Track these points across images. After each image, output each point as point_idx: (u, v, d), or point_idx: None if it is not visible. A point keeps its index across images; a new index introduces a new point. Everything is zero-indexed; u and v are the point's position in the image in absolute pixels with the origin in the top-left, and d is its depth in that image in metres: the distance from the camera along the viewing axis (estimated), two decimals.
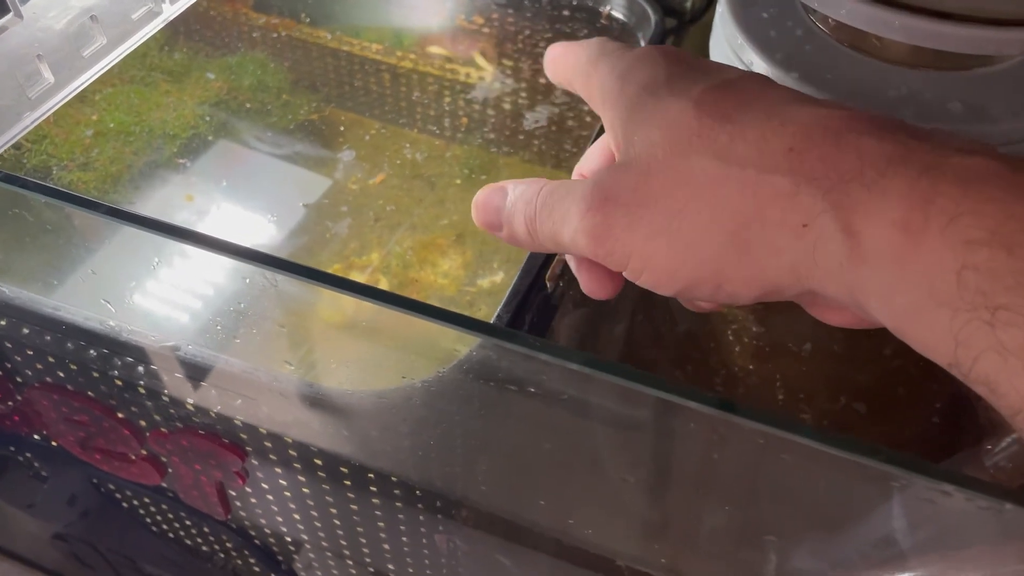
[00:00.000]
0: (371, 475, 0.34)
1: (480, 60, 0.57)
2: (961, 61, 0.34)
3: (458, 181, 0.51)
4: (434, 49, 0.57)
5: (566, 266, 0.42)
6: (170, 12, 0.31)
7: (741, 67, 0.37)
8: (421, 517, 0.35)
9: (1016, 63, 0.35)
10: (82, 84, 0.29)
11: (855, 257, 0.20)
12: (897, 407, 0.40)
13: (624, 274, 0.24)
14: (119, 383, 0.36)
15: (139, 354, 0.34)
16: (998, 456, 0.34)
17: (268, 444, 0.35)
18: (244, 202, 0.48)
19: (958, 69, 0.34)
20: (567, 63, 0.28)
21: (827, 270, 0.21)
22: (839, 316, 0.24)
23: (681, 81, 0.24)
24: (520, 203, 0.26)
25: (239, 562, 0.48)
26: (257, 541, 0.45)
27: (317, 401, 0.32)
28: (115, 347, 0.34)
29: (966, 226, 0.18)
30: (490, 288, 0.48)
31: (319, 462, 0.35)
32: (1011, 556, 0.25)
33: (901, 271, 0.19)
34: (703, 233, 0.22)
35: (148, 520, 0.50)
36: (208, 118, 0.50)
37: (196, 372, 0.33)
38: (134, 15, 0.30)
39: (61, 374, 0.37)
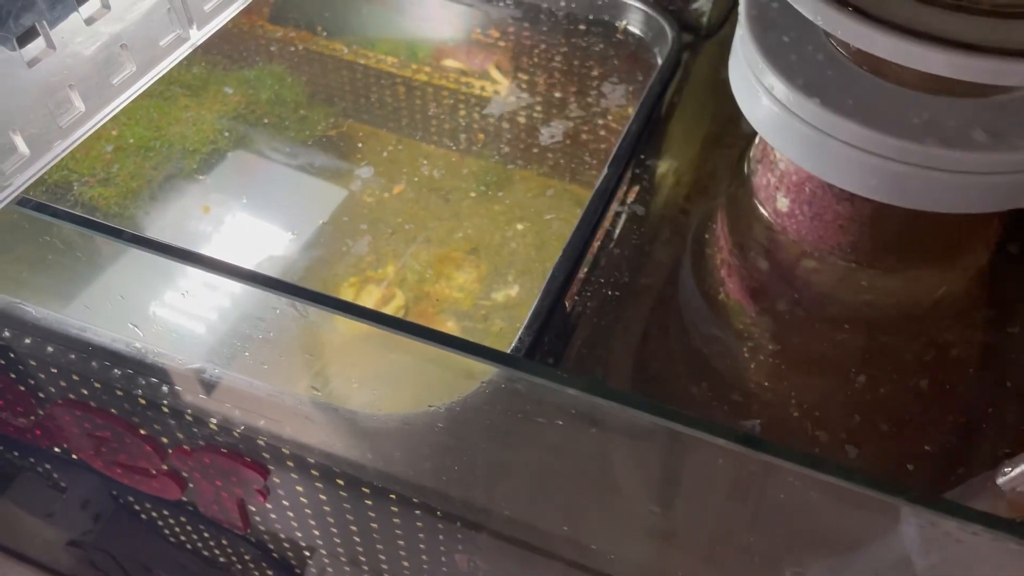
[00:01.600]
0: (392, 495, 0.34)
1: (495, 74, 0.57)
2: (982, 89, 0.34)
3: (473, 195, 0.51)
4: (449, 62, 0.57)
5: (584, 284, 0.42)
6: (197, 37, 0.31)
7: (760, 90, 0.37)
8: (441, 536, 0.36)
9: None
10: (112, 111, 0.29)
11: None
12: (913, 425, 0.40)
13: None
14: (143, 402, 0.36)
15: (164, 375, 0.34)
16: (1016, 481, 0.34)
17: (290, 464, 0.35)
18: (262, 215, 0.48)
19: (978, 96, 0.34)
20: None
21: None
22: None
23: None
24: None
25: (256, 573, 0.48)
26: (275, 554, 0.45)
27: (341, 423, 0.32)
28: (140, 368, 0.34)
29: None
30: (505, 302, 0.48)
31: (341, 481, 0.35)
32: None
33: None
34: None
35: (166, 531, 0.50)
36: (227, 132, 0.50)
37: (220, 393, 0.34)
38: (162, 42, 0.30)
39: (85, 391, 0.38)
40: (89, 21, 0.27)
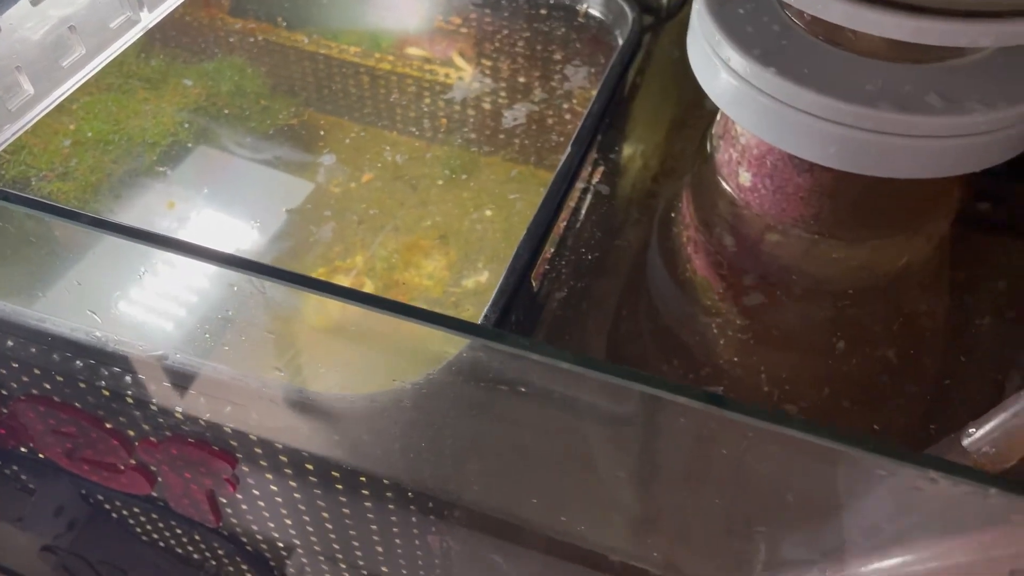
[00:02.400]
0: (363, 478, 0.34)
1: (459, 60, 0.57)
2: (936, 53, 0.34)
3: (440, 182, 0.51)
4: (412, 50, 0.57)
5: (551, 264, 0.42)
6: (148, 20, 0.31)
7: (718, 63, 0.37)
8: (414, 518, 0.35)
9: (987, 55, 0.35)
10: (62, 94, 0.29)
11: None
12: (882, 394, 0.41)
13: None
14: (106, 393, 0.36)
15: (126, 364, 0.34)
16: (981, 442, 0.35)
17: (258, 450, 0.35)
18: (226, 208, 0.48)
19: (933, 61, 0.34)
20: None
21: None
22: None
23: None
24: None
25: (231, 569, 0.48)
26: (249, 547, 0.45)
27: (307, 406, 0.32)
28: (102, 357, 0.34)
29: None
30: (475, 288, 0.48)
31: (310, 466, 0.35)
32: (997, 541, 0.25)
33: None
34: None
35: (138, 530, 0.50)
36: (187, 124, 0.50)
37: (184, 380, 0.33)
38: (112, 24, 0.30)
39: (47, 386, 0.37)
40: (35, 2, 0.27)
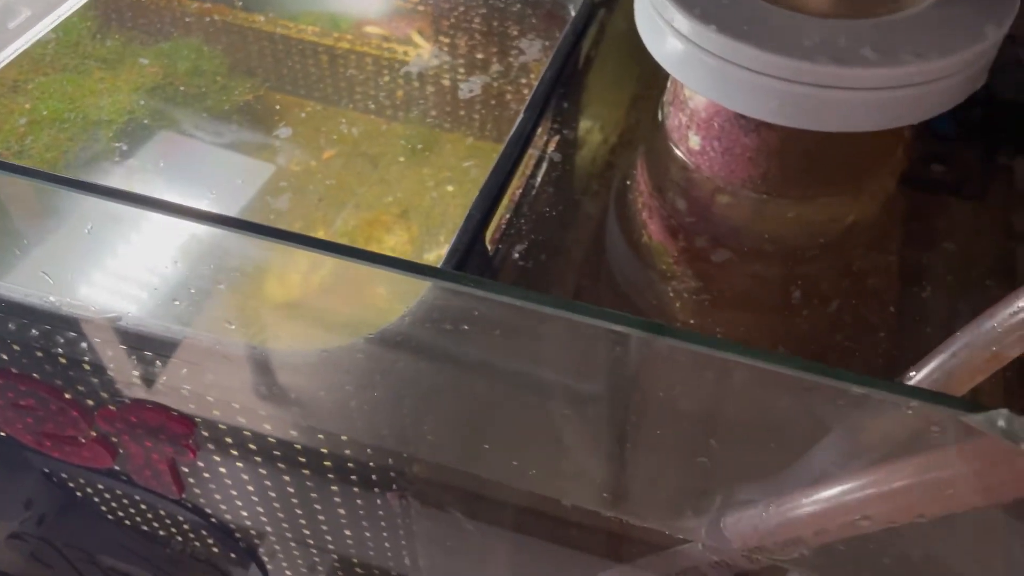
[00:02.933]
0: (320, 436, 0.35)
1: (417, 39, 0.57)
2: (872, 9, 0.36)
3: (401, 158, 0.52)
4: (371, 29, 0.58)
5: (507, 228, 0.43)
6: None
7: (663, 25, 0.38)
8: (373, 476, 0.36)
9: (922, 9, 0.36)
10: (8, 57, 0.29)
11: None
12: (833, 353, 0.42)
13: None
14: (63, 361, 0.36)
15: (81, 328, 0.34)
16: (921, 383, 0.36)
17: (216, 412, 0.35)
18: (184, 186, 0.48)
19: (868, 16, 0.35)
20: None
21: None
22: None
23: None
24: None
25: (197, 544, 0.48)
26: (213, 519, 0.45)
27: (261, 361, 0.32)
28: (57, 323, 0.34)
29: None
30: (436, 262, 0.48)
31: (268, 427, 0.35)
32: (937, 461, 0.26)
33: None
34: None
35: (103, 508, 0.50)
36: (143, 103, 0.50)
37: (140, 342, 0.33)
38: None
39: (4, 356, 0.37)
40: None
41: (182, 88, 0.51)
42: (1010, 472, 0.22)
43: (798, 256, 0.43)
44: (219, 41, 0.55)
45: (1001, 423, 0.20)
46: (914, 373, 0.36)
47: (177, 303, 0.30)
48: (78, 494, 0.50)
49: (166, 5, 0.56)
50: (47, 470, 0.48)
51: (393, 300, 0.30)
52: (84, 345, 0.35)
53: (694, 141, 0.43)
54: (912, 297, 0.43)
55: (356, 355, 0.31)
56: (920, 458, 0.26)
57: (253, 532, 0.45)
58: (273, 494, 0.41)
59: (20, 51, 0.29)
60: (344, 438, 0.34)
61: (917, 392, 0.22)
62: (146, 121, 0.49)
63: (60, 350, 0.35)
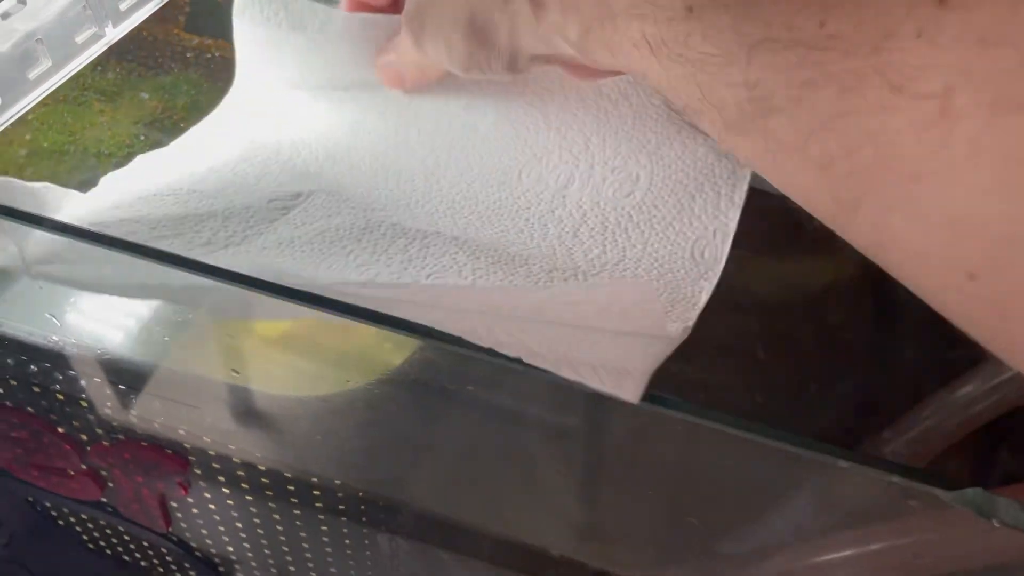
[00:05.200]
0: (314, 479, 0.35)
1: None
2: None
3: None
4: None
5: None
6: (114, 35, 0.32)
7: None
8: (364, 518, 0.37)
9: None
10: (27, 106, 0.30)
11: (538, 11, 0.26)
12: (805, 405, 0.43)
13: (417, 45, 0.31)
14: (60, 398, 0.36)
15: (82, 367, 0.34)
16: (896, 443, 0.37)
17: (212, 453, 0.36)
18: None
19: None
20: None
21: (525, 31, 0.27)
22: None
23: None
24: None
25: (178, 575, 0.48)
26: (198, 553, 0.45)
27: (261, 407, 0.33)
28: (58, 361, 0.35)
29: None
30: None
31: (262, 467, 0.36)
32: (910, 528, 0.27)
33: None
34: (452, 22, 0.29)
35: (84, 537, 0.50)
36: (143, 137, 0.50)
37: (139, 382, 0.34)
38: (78, 38, 0.31)
39: (1, 390, 0.38)
40: (4, 16, 0.28)
41: (182, 123, 0.52)
42: (983, 543, 0.23)
43: (775, 310, 0.44)
44: (218, 76, 0.56)
45: (975, 501, 0.21)
46: (888, 435, 0.37)
47: (181, 348, 0.31)
48: (54, 515, 0.50)
49: (165, 39, 0.57)
50: (29, 499, 0.48)
51: (392, 351, 0.31)
52: (82, 383, 0.35)
53: None
54: (888, 353, 0.44)
55: (355, 403, 0.32)
56: (892, 524, 0.28)
57: (237, 566, 0.46)
58: (260, 523, 0.41)
59: (39, 99, 0.30)
60: (337, 481, 0.35)
61: (895, 468, 0.24)
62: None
63: (58, 387, 0.36)
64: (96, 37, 0.31)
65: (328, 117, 0.38)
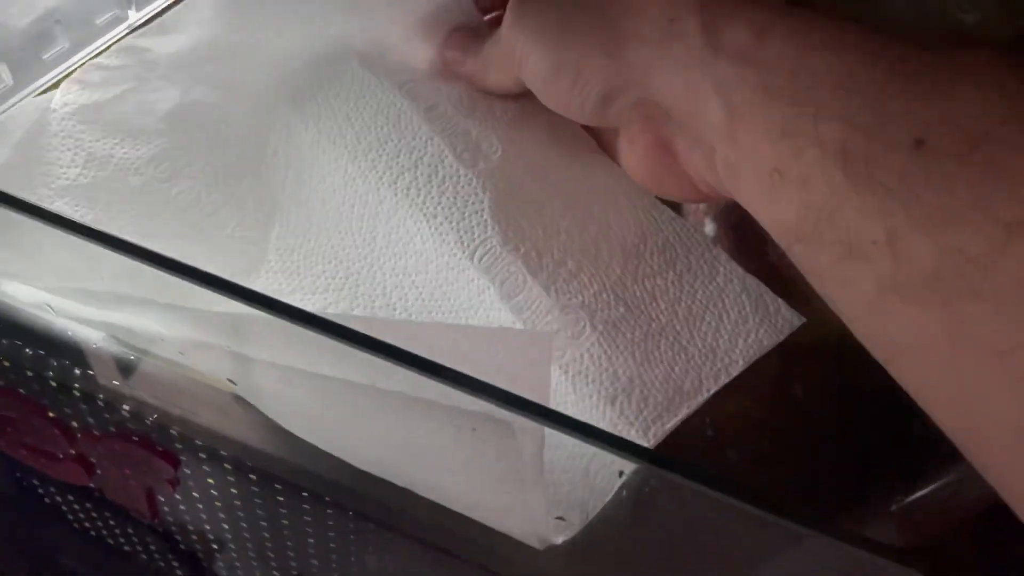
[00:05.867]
0: (305, 493, 0.34)
1: None
2: None
3: None
4: None
5: None
6: (135, 18, 0.31)
7: None
8: (352, 536, 0.36)
9: None
10: (41, 87, 0.28)
11: (708, 51, 0.23)
12: (818, 450, 0.42)
13: (517, 65, 0.28)
14: (53, 384, 0.35)
15: (78, 357, 0.33)
16: (907, 503, 0.36)
17: (203, 455, 0.35)
18: None
19: None
20: None
21: (677, 63, 0.24)
22: (645, 141, 0.27)
23: None
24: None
25: (162, 564, 0.48)
26: (183, 545, 0.44)
27: (257, 419, 0.32)
28: (53, 348, 0.34)
29: (807, 36, 0.22)
30: None
31: (253, 477, 0.35)
32: None
33: (746, 64, 0.22)
34: (590, 14, 0.26)
35: (69, 516, 0.49)
36: None
37: (135, 379, 0.33)
38: (98, 20, 0.29)
39: None
40: None
41: None
42: None
43: (795, 354, 0.43)
44: None
45: None
46: (902, 497, 0.36)
47: (182, 354, 0.30)
48: (40, 492, 0.49)
49: None
50: (17, 474, 0.48)
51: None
52: (78, 372, 0.34)
53: (709, 228, 0.43)
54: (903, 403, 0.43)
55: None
56: None
57: (218, 555, 0.45)
58: (245, 521, 0.41)
59: (52, 82, 0.29)
60: (327, 499, 0.34)
61: (868, 544, 0.23)
62: None
63: (51, 373, 0.35)
64: (117, 20, 0.30)
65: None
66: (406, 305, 0.30)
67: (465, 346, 0.26)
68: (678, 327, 0.28)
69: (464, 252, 0.29)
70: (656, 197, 0.31)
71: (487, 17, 0.34)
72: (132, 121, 0.33)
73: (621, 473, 0.25)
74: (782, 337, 0.28)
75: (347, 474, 0.31)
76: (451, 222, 0.29)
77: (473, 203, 0.29)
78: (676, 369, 0.27)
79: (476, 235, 0.29)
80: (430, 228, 0.29)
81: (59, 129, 0.32)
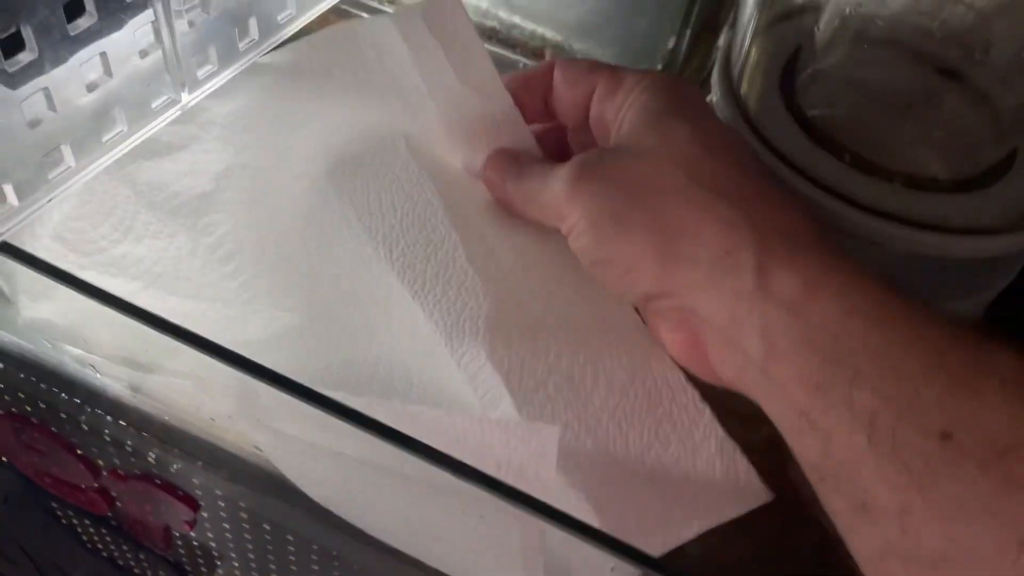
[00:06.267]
0: (315, 546, 0.36)
1: None
2: None
3: None
4: None
5: None
6: (187, 101, 0.33)
7: None
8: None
9: None
10: (96, 169, 0.31)
11: (759, 290, 0.24)
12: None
13: (563, 225, 0.29)
14: (85, 428, 0.38)
15: (111, 408, 0.36)
16: None
17: (222, 504, 0.37)
18: None
19: None
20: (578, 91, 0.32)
21: (726, 293, 0.25)
22: (677, 336, 0.28)
23: (691, 108, 0.29)
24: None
25: None
26: (191, 574, 0.47)
27: (275, 477, 0.34)
28: (89, 397, 0.36)
29: (853, 300, 0.23)
30: None
31: (267, 527, 0.37)
32: None
33: (793, 314, 0.24)
34: (648, 217, 0.27)
35: (83, 536, 0.51)
36: None
37: (163, 432, 0.35)
38: (154, 103, 0.32)
39: (28, 408, 0.39)
40: (91, 87, 0.29)
41: None
42: None
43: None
44: None
45: None
46: None
47: (213, 420, 0.32)
48: (58, 515, 0.52)
49: None
50: (36, 493, 0.50)
51: None
52: (109, 419, 0.37)
53: None
54: None
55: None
56: None
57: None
58: (255, 563, 0.43)
59: (107, 164, 0.31)
60: (334, 553, 0.36)
61: None
62: None
63: (84, 418, 0.37)
64: (171, 103, 0.32)
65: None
66: (394, 388, 0.31)
67: (478, 436, 0.28)
68: (641, 476, 0.27)
69: (453, 354, 0.29)
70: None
71: (532, 128, 0.34)
72: (183, 180, 0.35)
73: (613, 568, 0.27)
74: (745, 511, 0.27)
75: (358, 536, 0.33)
76: (447, 321, 0.29)
77: (472, 306, 0.30)
78: (628, 519, 0.27)
79: (466, 339, 0.29)
80: (426, 321, 0.30)
81: (112, 182, 0.34)
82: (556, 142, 0.35)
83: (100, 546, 0.51)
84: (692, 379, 0.29)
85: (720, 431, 0.28)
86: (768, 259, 0.25)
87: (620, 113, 0.30)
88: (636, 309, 0.31)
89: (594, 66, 0.32)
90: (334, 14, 0.40)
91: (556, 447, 0.27)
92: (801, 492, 0.25)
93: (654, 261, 0.26)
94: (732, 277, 0.25)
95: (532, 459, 0.27)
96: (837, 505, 0.23)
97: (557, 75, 0.32)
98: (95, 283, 0.31)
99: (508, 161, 0.32)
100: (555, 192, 0.29)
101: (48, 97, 0.28)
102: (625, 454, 0.28)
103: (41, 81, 0.27)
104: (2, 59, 0.26)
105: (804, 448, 0.24)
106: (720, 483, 0.27)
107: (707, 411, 0.29)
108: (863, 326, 0.23)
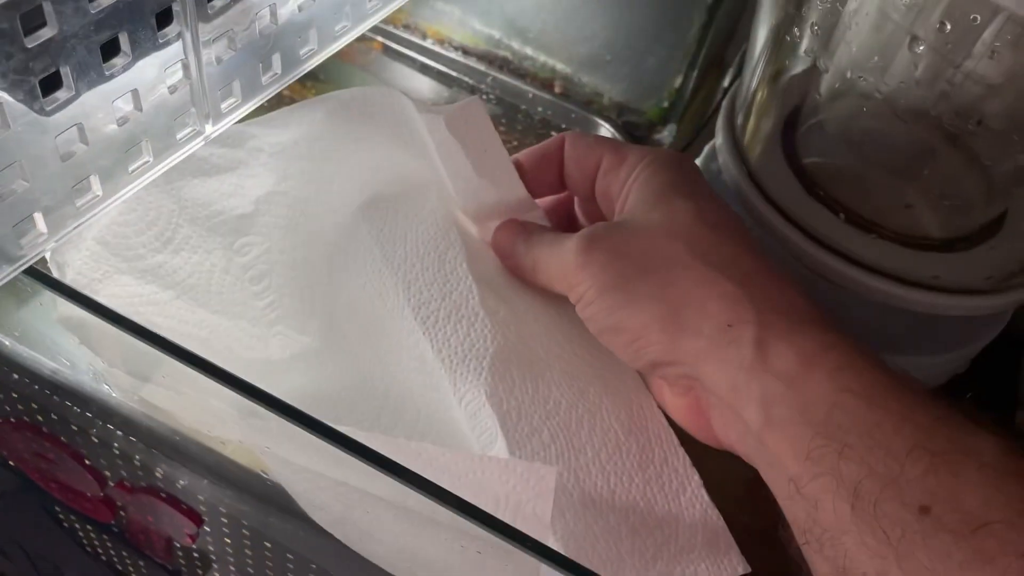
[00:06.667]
0: (314, 565, 0.38)
1: None
2: None
3: None
4: None
5: None
6: (211, 132, 0.34)
7: None
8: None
9: None
10: (121, 198, 0.32)
11: (758, 364, 0.26)
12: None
13: (572, 293, 0.30)
14: (95, 440, 0.39)
15: (121, 423, 0.37)
16: None
17: (224, 520, 0.38)
18: None
19: None
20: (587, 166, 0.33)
21: (728, 364, 0.26)
22: (682, 402, 0.30)
23: (692, 185, 0.31)
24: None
25: None
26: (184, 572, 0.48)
27: (280, 498, 0.35)
28: (101, 412, 0.37)
29: (847, 378, 0.25)
30: None
31: (268, 544, 0.38)
32: None
33: (789, 387, 0.25)
34: (655, 288, 0.28)
35: (84, 540, 0.52)
36: None
37: (171, 451, 0.36)
38: (179, 135, 0.33)
39: (40, 418, 0.40)
40: (122, 122, 0.30)
41: None
42: None
43: None
44: None
45: None
46: None
47: (223, 444, 0.33)
48: (60, 519, 0.53)
49: None
50: (39, 498, 0.51)
51: None
52: (120, 434, 0.38)
53: None
54: None
55: None
56: None
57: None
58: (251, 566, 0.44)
59: (131, 193, 0.32)
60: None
61: None
62: None
63: (95, 431, 0.38)
64: (195, 134, 0.34)
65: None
66: (403, 418, 0.32)
67: (478, 474, 0.29)
68: (623, 532, 0.28)
69: (455, 392, 0.30)
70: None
71: (544, 200, 0.35)
72: (225, 200, 0.37)
73: None
74: None
75: (357, 561, 0.34)
76: (452, 359, 0.31)
77: (479, 347, 0.31)
78: (603, 572, 0.27)
79: (470, 378, 0.30)
80: (434, 357, 0.31)
81: (159, 194, 0.36)
82: (567, 212, 0.37)
83: (100, 550, 0.52)
84: (687, 439, 0.31)
85: (706, 498, 0.29)
86: (767, 333, 0.26)
87: (625, 188, 0.31)
88: (640, 373, 0.32)
89: (600, 141, 0.33)
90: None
91: (554, 487, 0.28)
92: (789, 550, 0.26)
93: (661, 331, 0.28)
94: (733, 349, 0.26)
95: (530, 498, 0.28)
96: (821, 567, 0.25)
97: (567, 148, 0.34)
98: (130, 288, 0.33)
99: (518, 228, 0.33)
100: (565, 261, 0.30)
101: (81, 131, 0.29)
102: (611, 508, 0.28)
103: (76, 116, 0.28)
104: (41, 97, 0.27)
105: (793, 512, 0.25)
106: (700, 549, 0.28)
107: (695, 476, 0.30)
108: (855, 403, 0.24)
